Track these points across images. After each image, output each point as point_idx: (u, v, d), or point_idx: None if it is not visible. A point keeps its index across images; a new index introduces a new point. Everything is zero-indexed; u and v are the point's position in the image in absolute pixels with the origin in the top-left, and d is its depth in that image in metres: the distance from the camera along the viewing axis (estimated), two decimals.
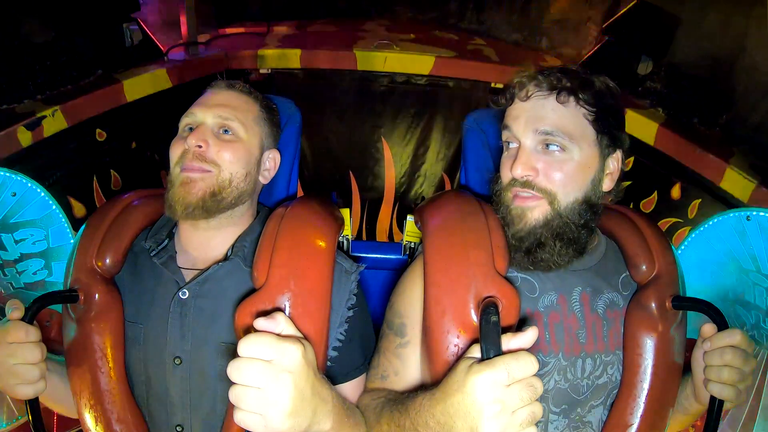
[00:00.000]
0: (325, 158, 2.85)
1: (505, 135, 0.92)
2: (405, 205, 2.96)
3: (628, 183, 1.57)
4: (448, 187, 2.86)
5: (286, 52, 2.61)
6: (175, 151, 0.95)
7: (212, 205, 0.92)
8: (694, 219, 1.52)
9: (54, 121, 1.66)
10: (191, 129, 0.96)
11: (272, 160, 1.05)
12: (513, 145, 0.91)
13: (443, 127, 2.77)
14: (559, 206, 0.87)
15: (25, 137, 1.59)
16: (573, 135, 0.86)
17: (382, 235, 3.06)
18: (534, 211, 0.87)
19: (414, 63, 2.59)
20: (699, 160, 1.66)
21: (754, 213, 1.20)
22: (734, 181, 1.55)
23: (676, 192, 1.64)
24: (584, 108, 0.88)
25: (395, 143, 2.84)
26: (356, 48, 2.61)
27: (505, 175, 0.91)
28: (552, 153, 0.86)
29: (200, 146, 0.92)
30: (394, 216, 3.00)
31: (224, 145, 0.94)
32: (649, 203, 1.76)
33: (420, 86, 2.68)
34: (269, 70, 2.62)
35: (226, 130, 0.96)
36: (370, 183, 2.95)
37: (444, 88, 2.67)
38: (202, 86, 1.05)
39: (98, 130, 1.74)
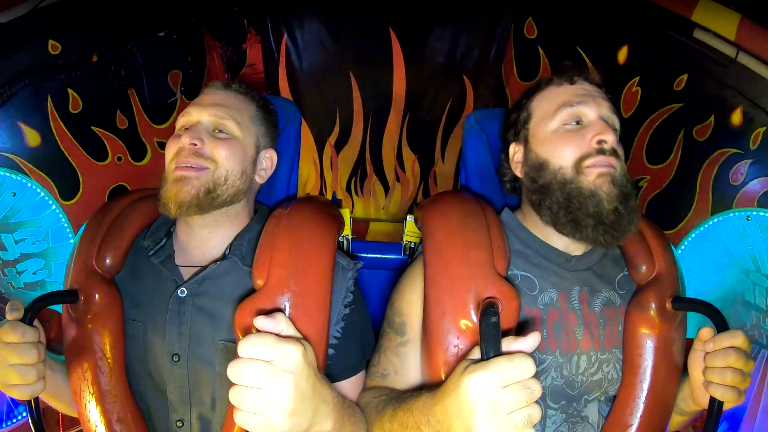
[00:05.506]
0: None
1: (569, 113, 0.93)
2: (418, 117, 2.45)
3: (680, 105, 1.46)
4: (470, 94, 2.40)
5: None
6: (171, 150, 0.95)
7: (206, 203, 0.92)
8: (756, 151, 1.29)
9: None
10: (187, 130, 0.96)
11: (269, 160, 1.05)
12: (575, 123, 0.93)
13: None
14: (624, 173, 0.90)
15: None
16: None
17: (388, 151, 2.54)
18: (616, 175, 0.89)
19: None
20: None
21: (754, 213, 1.20)
22: None
23: (737, 117, 1.35)
24: None
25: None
26: None
27: (578, 150, 0.90)
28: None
29: (195, 144, 0.92)
30: (404, 128, 2.49)
31: (219, 142, 0.94)
32: (703, 130, 1.46)
33: None
34: None
35: (221, 130, 0.96)
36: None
37: None
38: None
39: (51, 42, 1.41)
